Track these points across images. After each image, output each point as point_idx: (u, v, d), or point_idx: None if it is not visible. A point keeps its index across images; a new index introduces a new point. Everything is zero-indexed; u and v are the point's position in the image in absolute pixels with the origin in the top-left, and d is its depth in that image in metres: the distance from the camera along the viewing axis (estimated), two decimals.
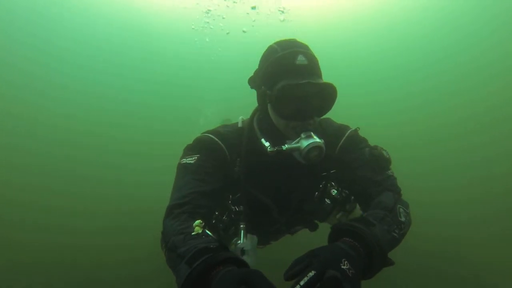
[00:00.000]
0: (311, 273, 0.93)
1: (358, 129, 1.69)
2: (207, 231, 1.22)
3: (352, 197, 1.80)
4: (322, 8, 10.80)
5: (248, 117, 1.75)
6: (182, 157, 1.63)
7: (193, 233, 1.18)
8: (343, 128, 1.72)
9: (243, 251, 1.52)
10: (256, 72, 1.60)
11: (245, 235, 1.58)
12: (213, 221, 1.68)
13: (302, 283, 0.91)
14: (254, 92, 1.61)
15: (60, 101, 9.36)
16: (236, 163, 1.64)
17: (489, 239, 3.21)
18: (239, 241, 1.58)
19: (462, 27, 9.44)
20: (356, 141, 1.68)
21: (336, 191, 1.79)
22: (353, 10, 10.65)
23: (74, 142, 7.38)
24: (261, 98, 1.52)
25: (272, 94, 1.42)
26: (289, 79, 1.39)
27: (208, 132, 1.68)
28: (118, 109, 9.97)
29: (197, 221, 1.22)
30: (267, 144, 1.50)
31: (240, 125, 1.73)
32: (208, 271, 0.96)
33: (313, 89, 1.41)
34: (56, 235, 3.68)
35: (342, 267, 0.97)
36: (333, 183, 1.83)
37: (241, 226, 1.61)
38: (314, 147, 1.38)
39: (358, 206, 1.84)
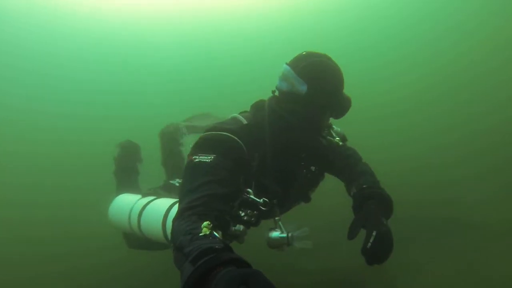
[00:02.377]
0: (374, 233, 1.38)
1: None
2: (215, 233, 1.25)
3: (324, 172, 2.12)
4: None
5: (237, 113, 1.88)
6: (194, 154, 1.58)
7: (200, 234, 1.19)
8: None
9: (294, 238, 1.66)
10: (306, 75, 1.66)
11: (283, 225, 1.73)
12: (242, 214, 1.71)
13: (371, 240, 1.35)
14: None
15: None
16: (254, 158, 1.67)
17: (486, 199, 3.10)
18: (276, 232, 1.70)
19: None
20: None
21: (314, 168, 2.03)
22: None
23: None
24: (313, 99, 1.68)
25: (338, 99, 1.75)
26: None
27: (219, 129, 1.66)
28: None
29: (206, 223, 1.25)
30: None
31: (245, 122, 1.75)
32: (210, 271, 0.96)
33: None
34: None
35: (385, 223, 1.46)
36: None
37: (277, 218, 1.77)
38: None
39: None
